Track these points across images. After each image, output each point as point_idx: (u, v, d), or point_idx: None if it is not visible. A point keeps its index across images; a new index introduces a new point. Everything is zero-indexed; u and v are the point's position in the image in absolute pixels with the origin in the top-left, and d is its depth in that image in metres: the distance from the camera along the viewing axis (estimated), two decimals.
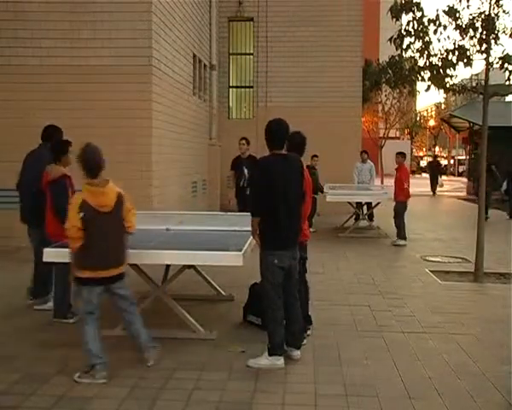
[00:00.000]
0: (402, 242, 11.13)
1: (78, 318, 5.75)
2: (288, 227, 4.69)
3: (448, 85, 7.96)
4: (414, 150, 59.55)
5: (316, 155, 12.79)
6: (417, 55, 7.79)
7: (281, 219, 4.65)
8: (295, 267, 4.83)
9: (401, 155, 11.89)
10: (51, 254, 5.07)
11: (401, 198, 11.32)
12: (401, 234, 11.27)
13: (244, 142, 10.15)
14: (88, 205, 4.28)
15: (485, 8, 7.55)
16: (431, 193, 25.28)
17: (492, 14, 7.52)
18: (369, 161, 13.94)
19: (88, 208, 4.27)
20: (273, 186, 4.63)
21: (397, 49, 8.00)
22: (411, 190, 12.11)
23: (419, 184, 29.67)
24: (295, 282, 4.87)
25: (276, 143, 4.72)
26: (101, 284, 4.41)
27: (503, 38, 7.58)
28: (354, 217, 13.31)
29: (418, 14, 7.60)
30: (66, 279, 5.72)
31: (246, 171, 9.77)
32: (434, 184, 26.11)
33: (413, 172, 50.19)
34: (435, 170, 27.51)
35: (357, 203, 13.22)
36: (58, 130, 6.49)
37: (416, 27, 7.62)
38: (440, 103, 56.57)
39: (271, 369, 4.58)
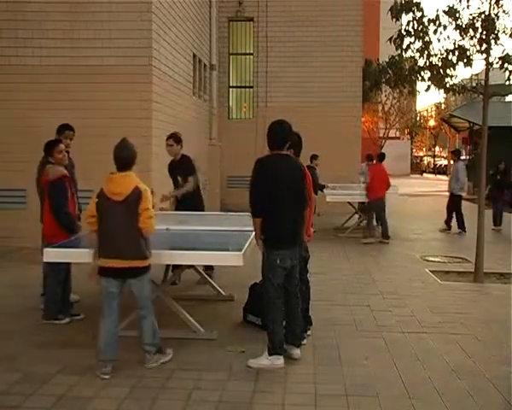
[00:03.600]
0: (371, 240, 11.29)
1: (70, 319, 5.76)
2: (289, 227, 4.69)
3: (448, 85, 7.96)
4: (414, 150, 59.53)
5: (316, 155, 12.81)
6: (417, 55, 7.79)
7: (281, 218, 4.65)
8: (296, 267, 4.83)
9: (378, 156, 12.34)
10: (51, 255, 5.07)
11: (371, 197, 11.57)
12: (370, 232, 11.48)
13: (172, 141, 7.72)
14: (102, 192, 4.41)
15: (485, 8, 7.55)
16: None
17: (492, 15, 7.51)
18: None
19: (102, 195, 4.41)
20: (271, 185, 4.64)
21: (397, 49, 8.00)
22: (412, 190, 12.17)
23: (419, 184, 29.72)
24: (296, 281, 4.87)
25: (276, 143, 4.73)
26: (117, 277, 4.40)
27: (503, 38, 7.59)
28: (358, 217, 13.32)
29: (418, 14, 7.59)
30: (57, 280, 5.73)
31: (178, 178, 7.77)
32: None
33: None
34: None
35: (359, 203, 13.22)
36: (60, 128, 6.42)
37: (415, 27, 7.61)
38: (440, 103, 56.53)
39: (271, 369, 4.58)
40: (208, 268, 7.27)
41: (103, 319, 4.46)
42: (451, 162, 14.52)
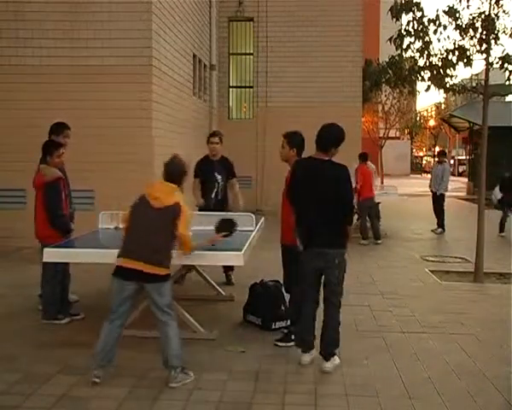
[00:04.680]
0: (365, 241, 11.23)
1: (70, 318, 5.76)
2: (318, 229, 4.62)
3: (448, 85, 7.96)
4: (414, 150, 59.55)
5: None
6: (417, 55, 7.79)
7: (309, 220, 4.65)
8: (330, 271, 4.68)
9: (361, 157, 12.25)
10: (51, 255, 5.07)
11: (362, 197, 11.49)
12: (364, 233, 11.42)
13: (217, 139, 7.68)
14: (143, 194, 4.37)
15: (485, 8, 7.55)
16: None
17: (492, 15, 7.51)
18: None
19: (141, 196, 4.37)
20: (300, 187, 4.69)
21: (397, 49, 8.00)
22: (413, 190, 12.17)
23: (419, 184, 29.72)
24: (331, 287, 4.72)
25: (317, 146, 4.76)
26: (132, 279, 4.21)
27: (503, 38, 7.59)
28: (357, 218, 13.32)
29: (418, 14, 7.59)
30: (55, 280, 5.72)
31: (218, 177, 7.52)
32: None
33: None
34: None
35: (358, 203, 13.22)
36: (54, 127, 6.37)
37: (416, 27, 7.61)
38: (440, 103, 56.55)
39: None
40: (228, 269, 7.30)
41: (108, 323, 4.29)
42: (436, 162, 14.52)
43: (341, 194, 4.63)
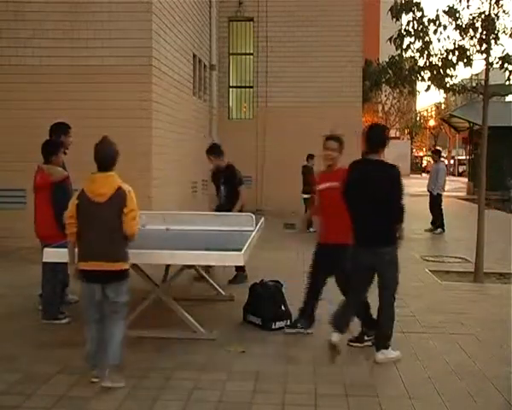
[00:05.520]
0: None
1: (70, 318, 5.75)
2: (371, 228, 4.77)
3: (448, 85, 7.96)
4: (414, 150, 59.53)
5: (312, 155, 12.96)
6: (417, 55, 7.79)
7: (363, 218, 4.79)
8: (381, 268, 4.86)
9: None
10: (51, 255, 5.06)
11: None
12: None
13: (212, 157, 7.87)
14: (83, 193, 4.21)
15: (485, 8, 7.55)
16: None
17: (492, 15, 7.51)
18: None
19: (83, 196, 4.21)
20: (352, 187, 4.83)
21: (397, 49, 7.99)
22: (413, 190, 12.18)
23: (419, 184, 29.63)
24: (382, 285, 4.93)
25: (367, 148, 4.90)
26: (97, 281, 4.17)
27: (503, 38, 7.59)
28: None
29: (418, 14, 7.59)
30: (56, 280, 5.72)
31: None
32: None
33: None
34: None
35: None
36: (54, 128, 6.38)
37: (416, 27, 7.61)
38: (440, 103, 56.55)
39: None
40: (239, 269, 7.34)
41: (87, 326, 4.27)
42: (432, 162, 14.51)
43: (393, 193, 4.83)
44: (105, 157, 4.26)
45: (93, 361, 4.26)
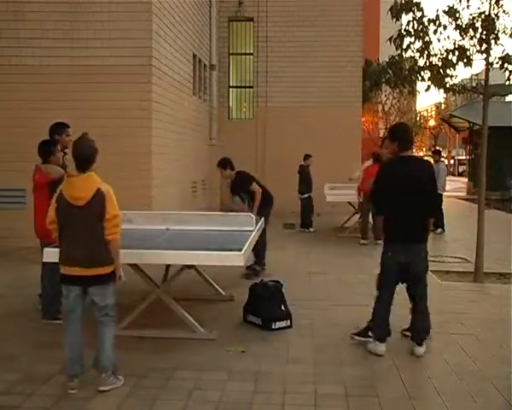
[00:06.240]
0: (365, 241, 11.27)
1: None
2: (406, 224, 4.88)
3: (448, 85, 7.95)
4: (414, 150, 59.46)
5: (309, 155, 13.02)
6: (417, 55, 7.79)
7: (398, 215, 4.90)
8: (417, 264, 4.96)
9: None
10: (51, 255, 5.05)
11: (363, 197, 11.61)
12: (364, 233, 11.48)
13: (220, 168, 8.30)
14: (62, 196, 4.11)
15: (485, 8, 7.55)
16: None
17: (492, 15, 7.51)
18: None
19: (62, 199, 4.11)
20: (390, 185, 4.92)
21: (397, 49, 7.99)
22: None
23: None
24: (417, 280, 5.04)
25: (400, 145, 4.99)
26: (77, 284, 4.10)
27: (503, 38, 7.58)
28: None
29: (418, 14, 7.59)
30: (55, 280, 5.71)
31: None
32: None
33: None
34: None
35: (360, 203, 13.20)
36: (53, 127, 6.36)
37: (416, 27, 7.61)
38: (440, 103, 56.49)
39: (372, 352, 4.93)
40: (249, 268, 7.84)
41: (65, 333, 4.19)
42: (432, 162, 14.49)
43: (428, 188, 4.98)
44: (83, 155, 4.13)
45: (72, 371, 4.14)
